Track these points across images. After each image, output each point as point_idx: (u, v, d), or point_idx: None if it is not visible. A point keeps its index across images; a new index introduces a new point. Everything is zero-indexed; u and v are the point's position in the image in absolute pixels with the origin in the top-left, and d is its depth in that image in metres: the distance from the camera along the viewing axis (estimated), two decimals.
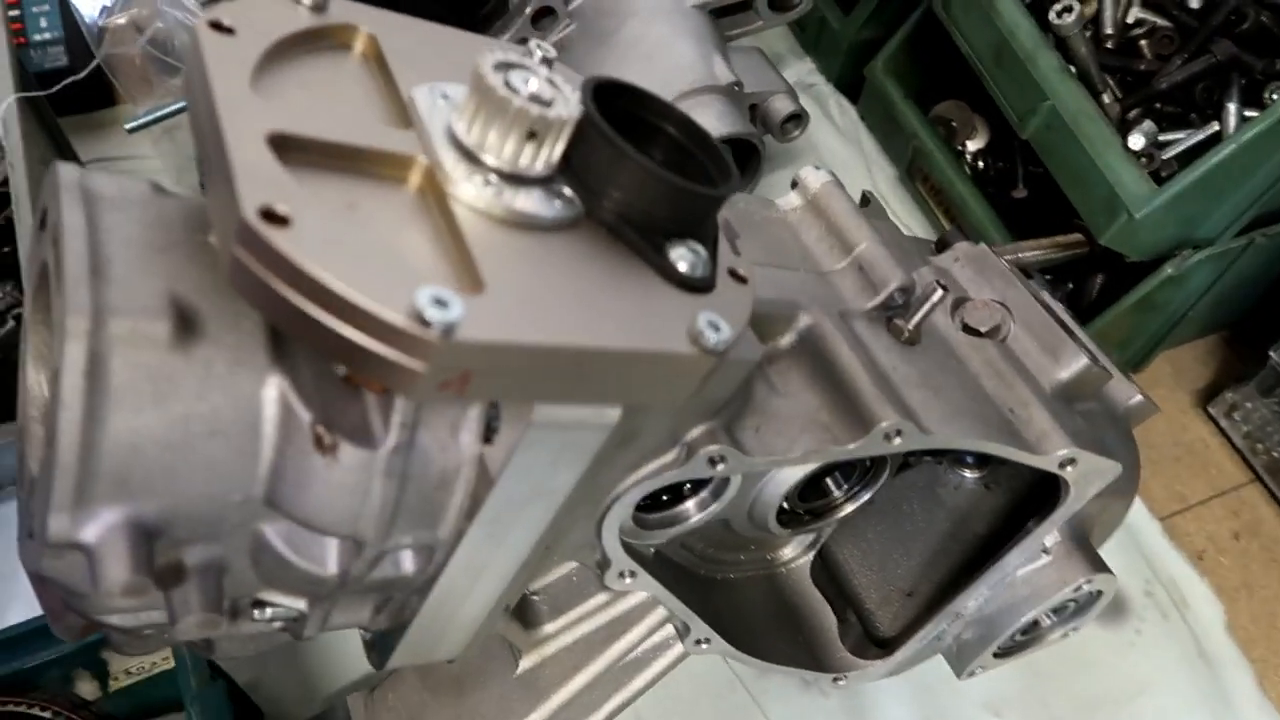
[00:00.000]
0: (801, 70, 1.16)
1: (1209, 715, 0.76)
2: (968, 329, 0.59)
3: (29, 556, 0.41)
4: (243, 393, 0.38)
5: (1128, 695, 0.77)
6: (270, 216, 0.32)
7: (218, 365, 0.38)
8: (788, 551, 0.72)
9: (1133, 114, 0.75)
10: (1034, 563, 0.61)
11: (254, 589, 0.45)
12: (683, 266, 0.42)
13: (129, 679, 0.64)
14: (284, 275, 0.32)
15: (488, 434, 0.42)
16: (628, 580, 0.56)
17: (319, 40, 0.43)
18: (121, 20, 0.77)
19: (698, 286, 0.42)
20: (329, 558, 0.43)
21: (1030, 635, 0.66)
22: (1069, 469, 0.54)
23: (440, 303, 0.32)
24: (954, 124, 1.06)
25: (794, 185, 0.63)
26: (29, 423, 0.45)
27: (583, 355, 0.36)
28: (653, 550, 0.60)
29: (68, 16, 1.04)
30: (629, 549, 0.55)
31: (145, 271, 0.38)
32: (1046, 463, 0.54)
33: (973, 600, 0.63)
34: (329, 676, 0.72)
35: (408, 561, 0.45)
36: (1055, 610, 0.64)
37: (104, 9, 0.78)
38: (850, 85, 1.11)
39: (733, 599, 0.68)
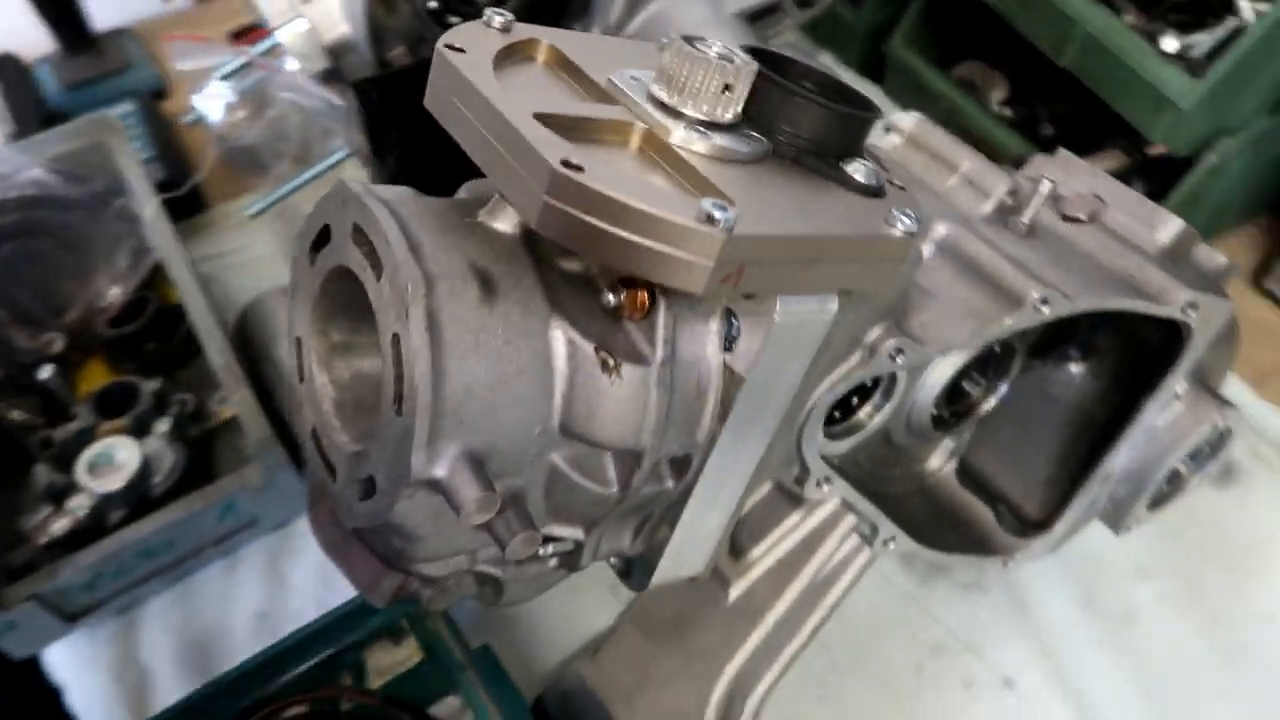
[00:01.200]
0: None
1: None
2: (1068, 219, 0.67)
3: (354, 515, 0.48)
4: (536, 334, 0.46)
5: (1261, 547, 0.84)
6: (569, 165, 0.40)
7: (514, 315, 0.46)
8: (934, 462, 0.79)
9: (1154, 25, 0.84)
10: (1169, 411, 0.68)
11: (542, 524, 0.52)
12: (860, 177, 0.50)
13: (381, 679, 0.70)
14: (594, 207, 0.40)
15: (728, 344, 0.49)
16: (825, 488, 0.63)
17: (514, 53, 0.51)
18: (242, 113, 0.86)
19: (875, 192, 0.50)
20: (610, 475, 0.50)
21: (1174, 485, 0.73)
22: (1191, 312, 0.62)
23: (720, 208, 0.40)
24: (975, 82, 1.16)
25: (887, 131, 0.71)
26: (324, 417, 0.52)
27: (822, 242, 0.44)
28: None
29: (158, 132, 1.14)
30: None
31: (446, 248, 0.45)
32: (1172, 310, 0.62)
33: (1119, 460, 0.70)
34: (552, 647, 0.78)
35: (668, 475, 0.53)
36: (1192, 456, 0.71)
37: (228, 105, 0.87)
38: (871, 68, 1.21)
39: (897, 509, 0.74)
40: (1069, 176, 0.69)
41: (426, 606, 0.54)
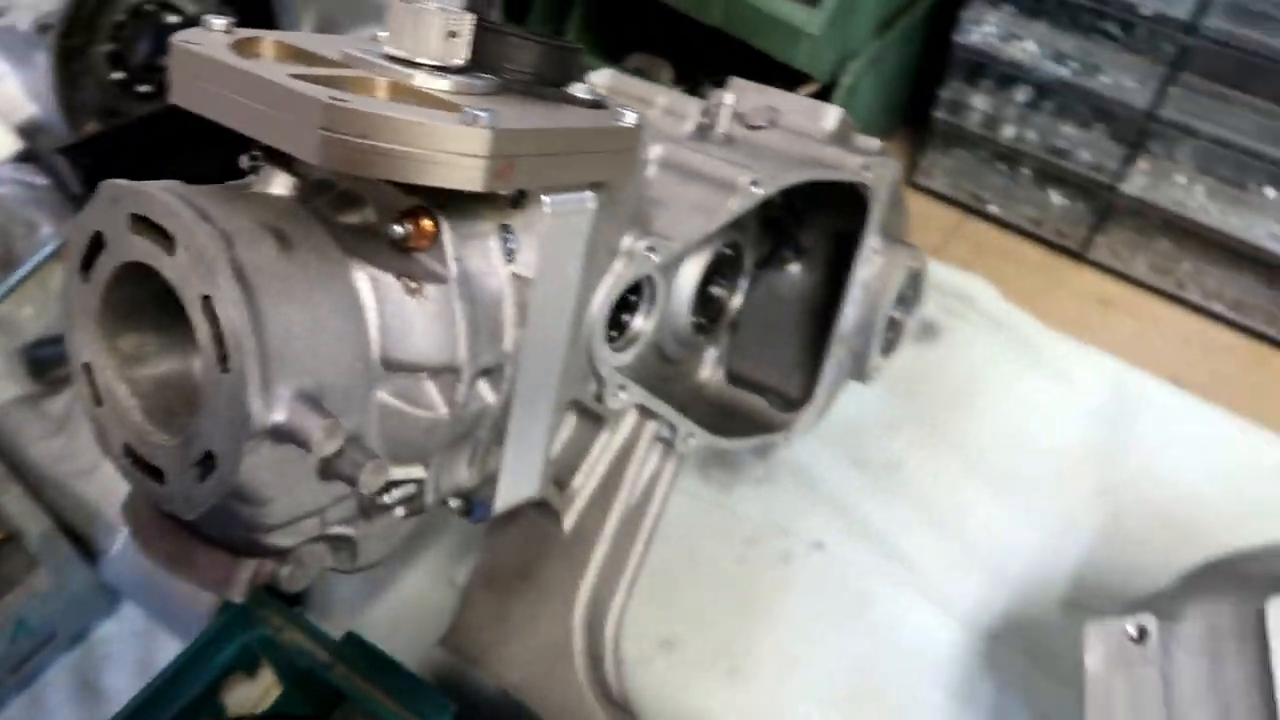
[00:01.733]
0: None
1: (1028, 355, 1.01)
2: (753, 127, 0.79)
3: (196, 501, 0.49)
4: (338, 277, 0.49)
5: (972, 382, 1.00)
6: (338, 99, 0.45)
7: (313, 263, 0.49)
8: (705, 373, 0.88)
9: None
10: (872, 266, 0.81)
11: (386, 474, 0.54)
12: (582, 94, 0.58)
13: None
14: (370, 129, 0.44)
15: (511, 256, 0.55)
16: (623, 394, 0.70)
17: (243, 49, 0.55)
18: None
19: (599, 104, 0.58)
20: (435, 398, 0.54)
21: (894, 331, 0.86)
22: (867, 173, 0.75)
23: (481, 110, 0.46)
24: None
25: None
26: (136, 428, 0.52)
27: (572, 134, 0.51)
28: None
29: None
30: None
31: (233, 212, 0.48)
32: (852, 174, 0.75)
33: (847, 320, 0.82)
34: (408, 644, 0.78)
35: (487, 391, 0.57)
36: (900, 300, 0.84)
37: None
38: None
39: (686, 415, 0.83)
40: (745, 98, 0.82)
41: (285, 586, 0.55)
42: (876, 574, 0.86)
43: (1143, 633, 0.60)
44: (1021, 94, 1.10)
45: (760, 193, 0.69)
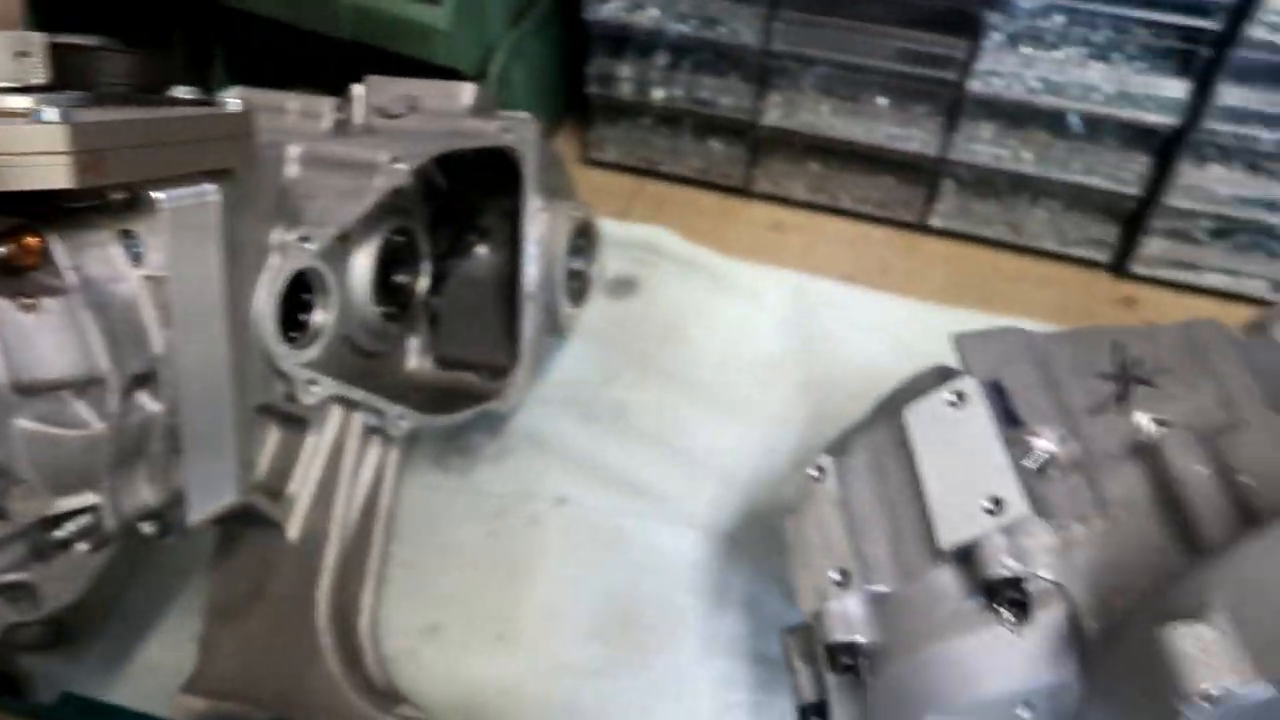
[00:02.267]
0: None
1: (717, 285, 1.09)
2: (392, 116, 0.81)
3: None
4: None
5: (676, 322, 1.07)
6: None
7: None
8: (413, 364, 0.90)
9: None
10: (540, 223, 0.86)
11: (45, 504, 0.52)
12: (186, 95, 0.58)
13: None
14: None
15: (137, 260, 0.55)
16: (315, 388, 0.70)
17: None
18: None
19: (206, 103, 0.59)
20: (84, 414, 0.53)
21: (579, 280, 0.91)
22: (506, 135, 0.80)
23: (47, 105, 0.46)
24: None
25: None
26: None
27: (165, 123, 0.52)
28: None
29: None
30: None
31: None
32: (494, 139, 0.79)
33: (530, 279, 0.86)
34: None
35: (147, 399, 0.56)
36: (573, 253, 0.90)
37: None
38: None
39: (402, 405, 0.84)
40: (382, 90, 0.84)
41: None
42: (620, 511, 0.91)
43: (821, 470, 0.67)
44: (661, 57, 1.19)
45: (403, 168, 0.72)
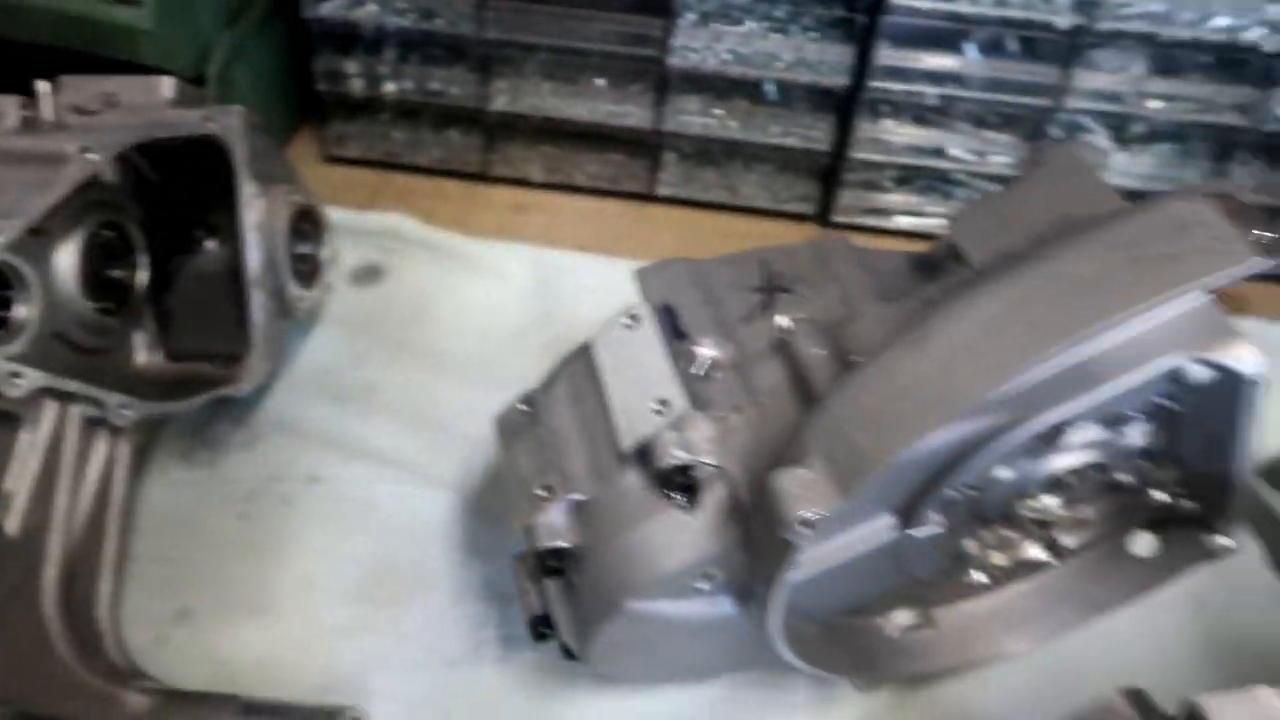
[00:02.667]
0: None
1: (460, 265, 1.14)
2: (89, 112, 0.82)
3: None
4: None
5: (422, 304, 1.12)
6: None
7: None
8: (142, 357, 0.90)
9: None
10: (256, 210, 0.88)
11: None
12: None
13: None
14: None
15: None
16: (20, 382, 0.70)
17: None
18: None
19: None
20: None
21: (306, 264, 0.94)
22: (210, 124, 0.82)
23: None
24: None
25: None
26: None
27: None
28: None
29: None
30: None
31: None
32: (196, 127, 0.81)
33: (252, 263, 0.88)
34: None
35: None
36: (298, 237, 0.93)
37: None
38: None
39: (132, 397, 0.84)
40: (79, 89, 0.84)
41: None
42: (373, 482, 0.94)
43: (529, 402, 0.74)
44: (390, 52, 1.23)
45: (95, 158, 0.73)
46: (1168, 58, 1.08)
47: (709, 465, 0.62)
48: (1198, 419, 0.61)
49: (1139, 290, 0.46)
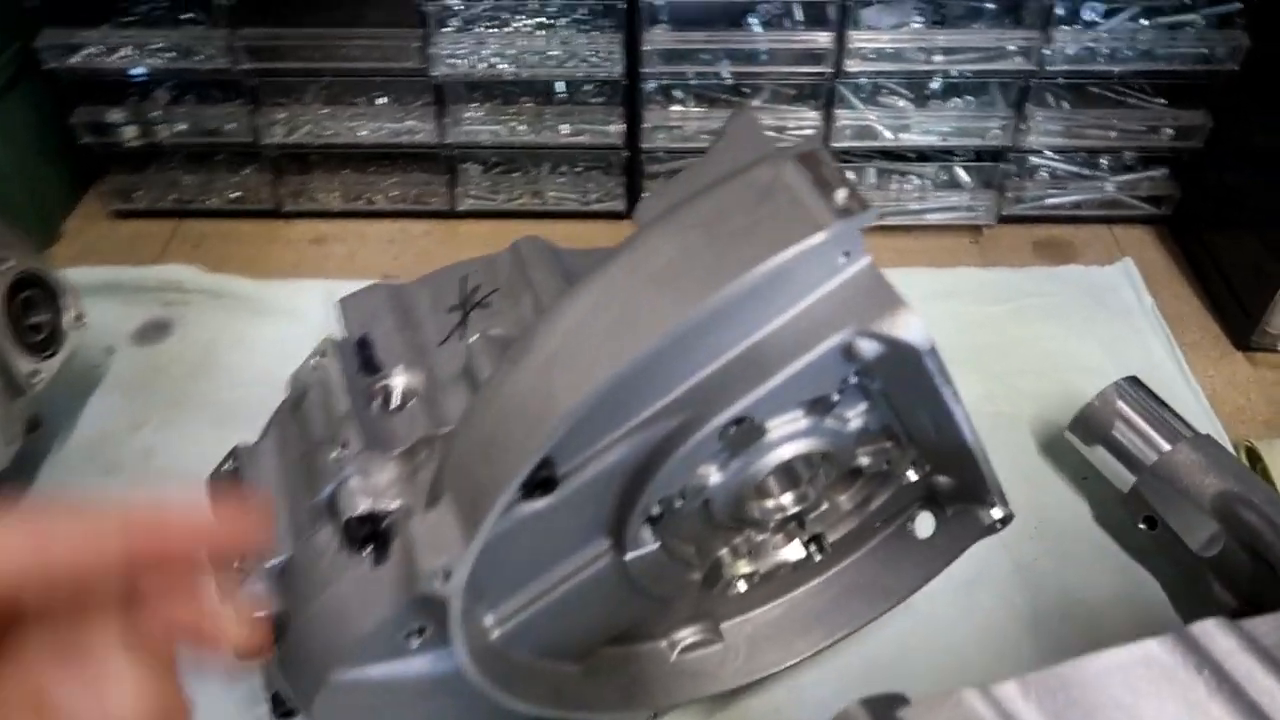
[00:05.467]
0: None
1: (251, 309, 1.09)
2: None
3: None
4: None
5: (208, 350, 1.06)
6: None
7: None
8: None
9: None
10: None
11: None
12: None
13: None
14: None
15: None
16: None
17: None
18: None
19: None
20: None
21: (45, 332, 0.88)
22: None
23: None
24: None
25: None
26: None
27: None
28: None
29: None
30: None
31: None
32: None
33: None
34: None
35: None
36: (27, 306, 0.87)
37: None
38: None
39: None
40: None
41: None
42: None
43: (235, 457, 0.68)
44: (163, 94, 1.17)
45: None
46: (944, 10, 1.05)
47: (395, 509, 0.57)
48: (899, 393, 0.57)
49: (716, 274, 0.41)
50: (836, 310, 0.51)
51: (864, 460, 0.64)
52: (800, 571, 0.72)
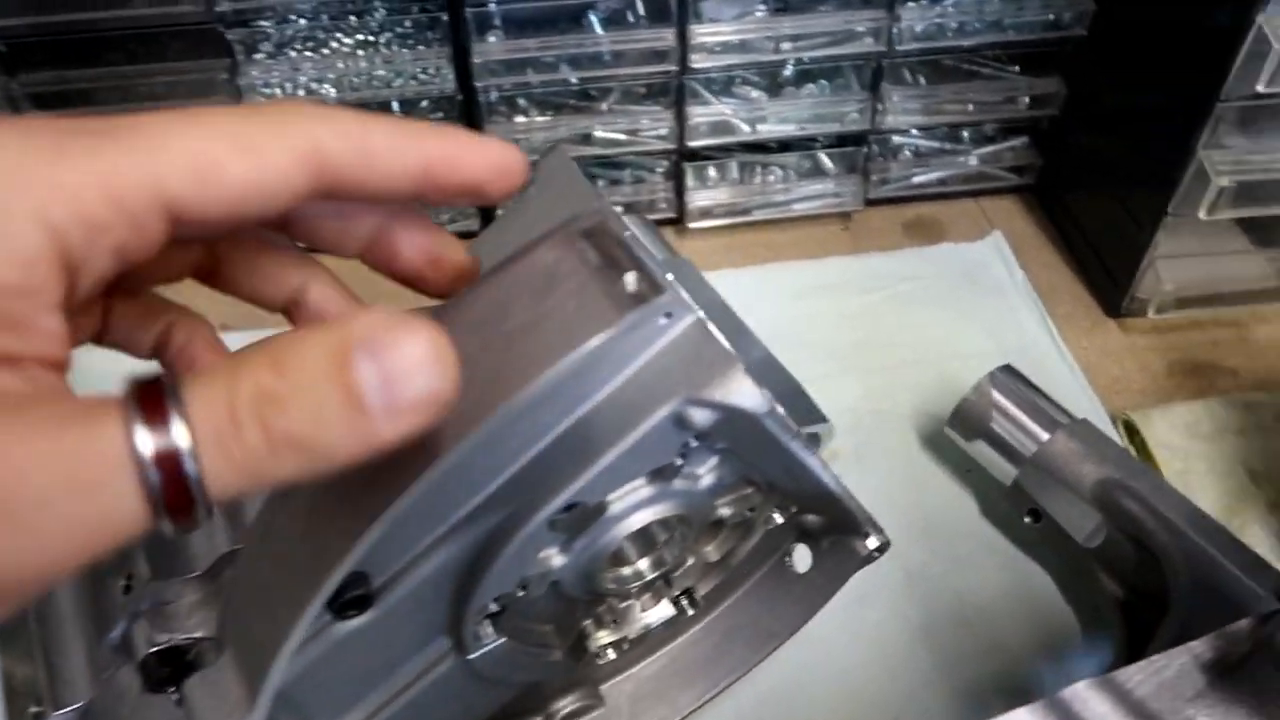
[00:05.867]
0: None
1: None
2: None
3: None
4: None
5: None
6: None
7: None
8: None
9: None
10: None
11: None
12: None
13: None
14: None
15: None
16: None
17: None
18: None
19: None
20: None
21: None
22: None
23: None
24: None
25: None
26: None
27: None
28: None
29: None
30: None
31: None
32: None
33: None
34: None
35: None
36: None
37: None
38: None
39: None
40: None
41: None
42: None
43: None
44: None
45: None
46: None
47: (197, 638, 0.51)
48: (746, 450, 0.52)
49: (497, 389, 0.36)
50: (663, 378, 0.46)
51: (725, 511, 0.60)
52: (676, 625, 0.68)
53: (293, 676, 0.46)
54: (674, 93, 1.04)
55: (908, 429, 0.95)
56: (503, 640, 0.54)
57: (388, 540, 0.42)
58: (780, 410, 0.48)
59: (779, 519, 0.62)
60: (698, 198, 1.12)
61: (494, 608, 0.52)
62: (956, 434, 0.88)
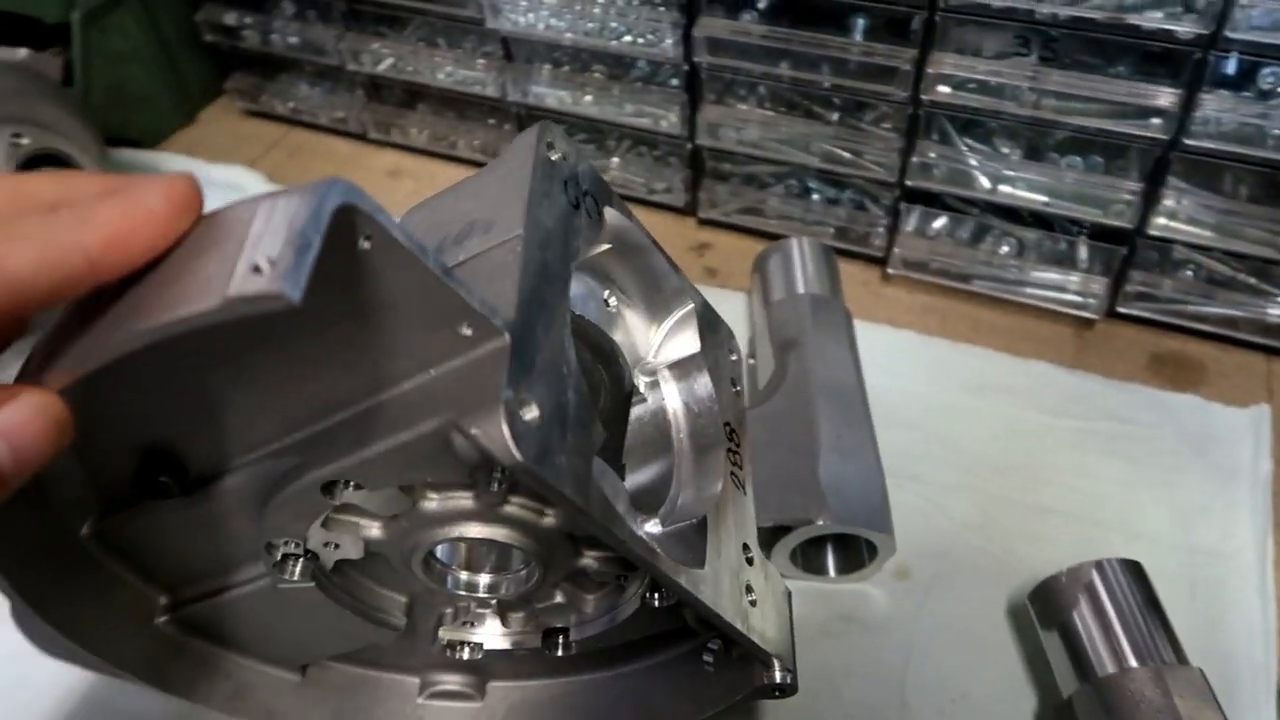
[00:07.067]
0: None
1: None
2: None
3: None
4: None
5: None
6: None
7: None
8: None
9: None
10: None
11: None
12: None
13: None
14: None
15: None
16: None
17: None
18: None
19: None
20: None
21: None
22: None
23: None
24: None
25: None
26: None
27: None
28: None
29: None
30: None
31: None
32: None
33: None
34: None
35: None
36: None
37: None
38: None
39: None
40: None
41: None
42: None
43: None
44: (288, 5, 1.21)
45: None
46: (1055, 45, 0.83)
47: None
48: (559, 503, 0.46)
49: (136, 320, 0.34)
50: (445, 394, 0.42)
51: (589, 564, 0.53)
52: (582, 661, 0.63)
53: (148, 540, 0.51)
54: (906, 121, 0.92)
55: (1002, 582, 0.78)
56: (310, 585, 0.54)
57: (199, 436, 0.45)
58: (559, 473, 0.41)
59: (655, 601, 0.55)
60: (910, 245, 0.99)
61: (296, 549, 0.52)
62: (1035, 613, 0.71)
